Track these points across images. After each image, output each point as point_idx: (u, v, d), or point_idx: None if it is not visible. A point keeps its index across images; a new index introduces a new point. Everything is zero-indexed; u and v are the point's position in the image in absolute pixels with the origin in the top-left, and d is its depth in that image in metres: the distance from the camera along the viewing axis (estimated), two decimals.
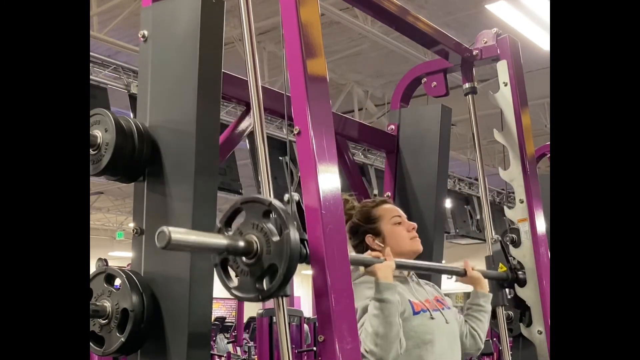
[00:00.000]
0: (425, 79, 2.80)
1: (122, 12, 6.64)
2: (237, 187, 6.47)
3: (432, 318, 1.94)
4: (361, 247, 2.07)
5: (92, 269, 1.58)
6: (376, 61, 8.31)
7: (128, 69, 6.51)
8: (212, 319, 2.34)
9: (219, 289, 1.60)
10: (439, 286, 2.31)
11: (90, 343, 1.62)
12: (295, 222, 1.45)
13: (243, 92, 1.82)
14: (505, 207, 2.65)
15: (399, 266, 1.87)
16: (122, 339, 1.58)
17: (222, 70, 1.73)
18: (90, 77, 6.01)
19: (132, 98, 6.25)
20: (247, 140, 5.45)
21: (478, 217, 10.29)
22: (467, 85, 2.73)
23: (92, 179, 1.72)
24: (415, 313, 1.91)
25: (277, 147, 5.92)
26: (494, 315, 2.37)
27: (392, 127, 2.74)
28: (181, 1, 1.71)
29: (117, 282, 1.64)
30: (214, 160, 1.70)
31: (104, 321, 1.61)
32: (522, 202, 2.60)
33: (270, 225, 1.45)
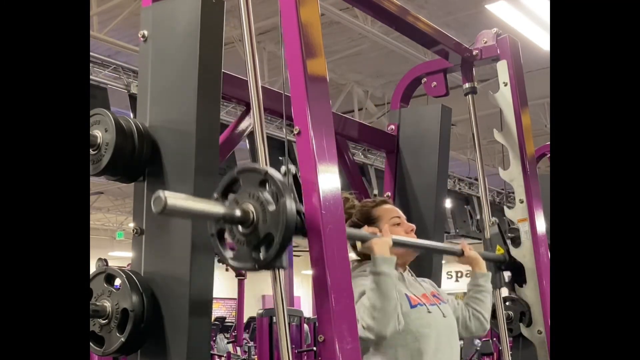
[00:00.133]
0: (425, 79, 2.80)
1: (122, 12, 6.65)
2: None
3: (429, 312, 1.95)
4: None
5: (92, 269, 1.58)
6: (376, 61, 8.32)
7: (128, 69, 6.52)
8: (212, 319, 2.34)
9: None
10: (439, 286, 2.31)
11: (90, 343, 1.62)
12: (291, 193, 1.45)
13: (243, 92, 1.82)
14: (505, 207, 2.66)
15: (396, 243, 1.87)
16: (122, 339, 1.58)
17: (222, 70, 1.73)
18: (90, 77, 6.02)
19: (132, 98, 6.26)
20: (247, 140, 5.45)
21: (478, 217, 10.30)
22: (467, 85, 2.74)
23: (92, 179, 1.72)
24: (412, 307, 1.91)
25: (277, 147, 5.87)
26: (494, 315, 2.37)
27: (392, 127, 2.74)
28: (181, 1, 1.71)
29: (117, 282, 1.64)
30: (214, 160, 1.70)
31: (104, 321, 1.61)
32: (522, 202, 2.60)
33: (267, 195, 1.45)
